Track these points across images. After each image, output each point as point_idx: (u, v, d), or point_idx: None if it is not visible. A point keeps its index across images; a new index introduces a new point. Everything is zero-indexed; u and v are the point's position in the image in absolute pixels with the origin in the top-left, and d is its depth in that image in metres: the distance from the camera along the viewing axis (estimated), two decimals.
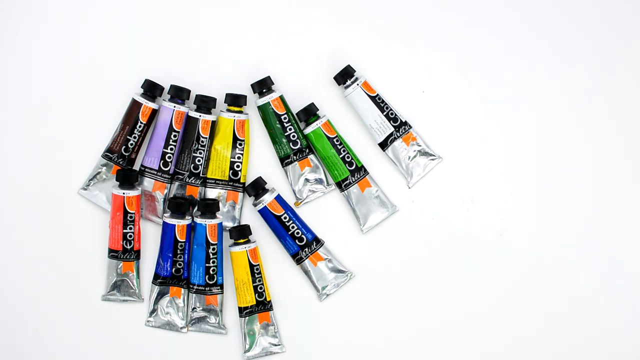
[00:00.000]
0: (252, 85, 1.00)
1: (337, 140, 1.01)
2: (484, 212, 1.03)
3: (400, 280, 1.03)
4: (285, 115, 1.00)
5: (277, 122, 1.00)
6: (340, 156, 1.01)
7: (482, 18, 1.04)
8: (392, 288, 1.03)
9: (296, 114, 1.01)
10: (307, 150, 1.02)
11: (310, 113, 1.01)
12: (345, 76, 1.01)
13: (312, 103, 1.01)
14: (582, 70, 1.04)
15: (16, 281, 1.02)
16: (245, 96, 1.00)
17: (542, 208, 1.03)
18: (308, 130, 1.01)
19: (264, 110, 1.00)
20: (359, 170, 1.02)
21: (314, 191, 1.02)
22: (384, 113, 1.01)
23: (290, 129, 1.01)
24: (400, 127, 1.02)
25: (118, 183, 0.99)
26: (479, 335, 1.03)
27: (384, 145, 1.02)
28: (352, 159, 1.01)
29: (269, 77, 1.00)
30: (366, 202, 1.02)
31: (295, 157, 1.01)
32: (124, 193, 0.99)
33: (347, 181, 1.01)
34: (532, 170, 1.03)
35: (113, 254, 1.00)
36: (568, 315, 1.03)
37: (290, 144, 1.01)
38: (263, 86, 1.00)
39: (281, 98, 1.00)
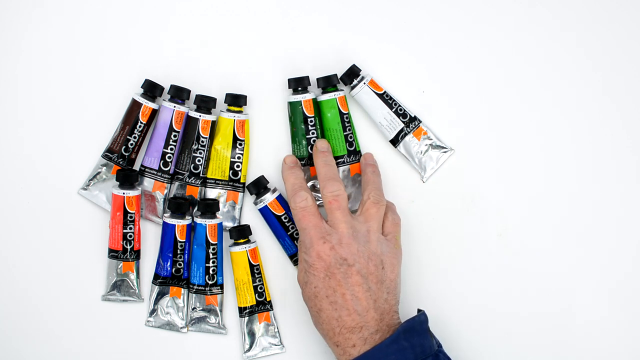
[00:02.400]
0: (289, 80, 1.00)
1: (346, 118, 1.01)
2: (484, 212, 1.03)
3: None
4: (312, 119, 1.00)
5: (303, 123, 1.00)
6: (345, 133, 1.01)
7: (485, 16, 1.04)
8: None
9: (317, 79, 1.01)
10: None
11: (330, 83, 1.01)
12: (351, 76, 1.01)
13: (336, 74, 1.01)
14: (585, 69, 1.04)
15: (16, 281, 1.02)
16: (245, 96, 1.00)
17: (543, 208, 1.03)
18: (323, 97, 1.01)
19: (293, 107, 1.00)
20: (356, 154, 1.02)
21: (318, 199, 1.02)
22: (393, 109, 1.01)
23: (313, 133, 1.00)
24: (410, 122, 1.02)
25: (118, 183, 0.99)
26: (479, 336, 1.03)
27: (395, 141, 1.02)
28: (353, 140, 1.01)
29: (307, 77, 1.00)
30: (353, 186, 1.02)
31: (310, 161, 1.01)
32: (124, 193, 0.99)
33: (342, 159, 1.01)
34: (532, 170, 1.03)
35: (113, 254, 1.00)
36: (568, 315, 1.03)
37: (309, 147, 1.01)
38: (299, 84, 1.00)
39: (314, 101, 1.00)
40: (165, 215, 1.00)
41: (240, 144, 1.00)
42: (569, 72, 1.04)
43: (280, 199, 1.01)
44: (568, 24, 1.04)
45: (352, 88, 1.01)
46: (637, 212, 1.03)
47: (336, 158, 1.01)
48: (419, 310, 0.96)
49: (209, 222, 0.99)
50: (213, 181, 1.01)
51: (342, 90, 1.01)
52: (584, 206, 1.03)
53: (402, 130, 1.02)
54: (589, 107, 1.04)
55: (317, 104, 1.01)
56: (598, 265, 1.03)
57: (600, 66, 1.04)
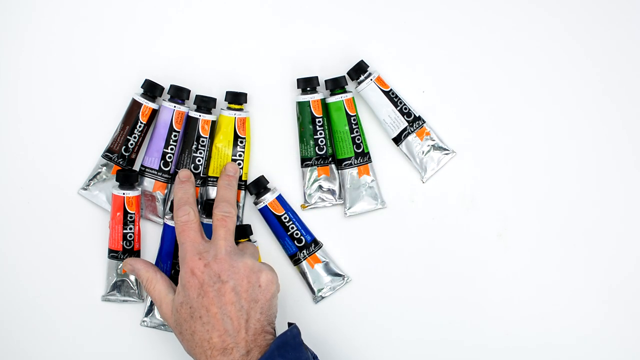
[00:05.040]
0: (298, 80, 1.00)
1: (354, 120, 1.01)
2: (484, 212, 1.03)
3: (399, 282, 1.03)
4: (320, 119, 1.01)
5: (311, 123, 1.00)
6: (352, 135, 1.01)
7: (482, 18, 1.04)
8: (390, 290, 1.03)
9: (325, 81, 1.01)
10: (330, 159, 1.02)
11: (337, 85, 1.01)
12: (358, 71, 1.01)
13: (344, 76, 1.01)
14: (586, 68, 1.04)
15: (16, 281, 1.01)
16: (246, 94, 1.00)
17: (543, 209, 1.03)
18: (330, 100, 1.01)
19: (301, 107, 1.01)
20: (364, 156, 1.02)
21: (323, 199, 1.02)
22: (398, 108, 1.02)
23: (320, 134, 1.01)
24: (414, 121, 1.02)
25: (118, 183, 0.99)
26: (478, 337, 1.03)
27: (397, 140, 1.02)
28: (361, 142, 1.01)
29: (316, 77, 1.01)
30: (359, 188, 1.02)
31: (317, 161, 1.01)
32: (124, 193, 0.98)
33: (349, 162, 1.01)
34: (532, 170, 1.04)
35: (113, 254, 1.00)
36: (568, 316, 1.03)
37: (317, 148, 1.01)
38: (308, 84, 1.00)
39: (322, 101, 1.01)
40: (166, 217, 1.00)
41: (241, 142, 1.00)
42: (570, 74, 1.04)
43: (280, 198, 1.01)
44: (568, 25, 1.04)
45: (359, 84, 1.01)
46: (638, 212, 1.04)
47: (343, 160, 1.01)
48: (289, 324, 0.94)
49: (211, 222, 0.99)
50: (215, 180, 1.01)
51: (350, 92, 1.01)
52: (584, 207, 1.04)
53: (405, 129, 1.02)
54: (589, 108, 1.04)
55: (325, 105, 1.01)
56: (598, 265, 1.03)
57: (601, 67, 1.04)
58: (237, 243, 0.99)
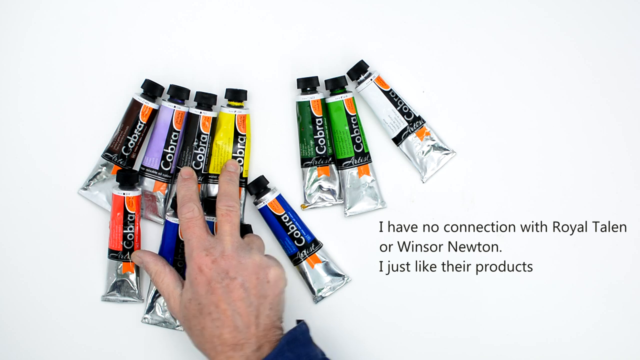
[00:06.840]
0: (298, 80, 1.00)
1: (354, 120, 1.01)
2: (484, 212, 1.03)
3: (399, 282, 1.03)
4: (320, 119, 1.01)
5: (311, 123, 1.00)
6: (352, 135, 1.01)
7: (481, 18, 1.04)
8: (390, 289, 1.03)
9: (325, 81, 1.01)
10: (330, 159, 1.02)
11: (337, 85, 1.01)
12: (358, 71, 1.01)
13: (344, 76, 1.01)
14: (584, 70, 1.04)
15: (16, 281, 1.01)
16: (246, 91, 1.01)
17: (542, 208, 1.03)
18: (330, 100, 1.01)
19: (301, 107, 1.01)
20: (364, 156, 1.02)
21: (323, 199, 1.02)
22: (398, 108, 1.02)
23: (320, 134, 1.01)
24: (414, 121, 1.02)
25: (118, 183, 0.99)
26: (478, 335, 1.03)
27: (397, 140, 1.02)
28: (361, 142, 1.01)
29: (316, 77, 1.01)
30: (359, 188, 1.02)
31: (317, 161, 1.01)
32: (124, 193, 0.98)
33: (349, 162, 1.01)
34: (532, 170, 1.04)
35: (113, 254, 1.00)
36: (566, 315, 1.03)
37: (316, 148, 1.01)
38: (308, 84, 1.01)
39: (322, 101, 1.01)
40: (167, 214, 1.00)
41: (242, 139, 1.01)
42: (570, 74, 1.04)
43: (280, 198, 1.01)
44: (569, 27, 1.04)
45: (359, 84, 1.02)
46: (636, 212, 1.04)
47: (342, 160, 1.01)
48: (298, 321, 0.94)
49: (213, 221, 0.99)
50: (215, 177, 1.01)
51: (350, 92, 1.02)
52: (583, 206, 1.04)
53: (405, 129, 1.02)
54: (589, 109, 1.04)
55: (325, 105, 1.01)
56: (597, 265, 1.03)
57: (600, 70, 1.04)
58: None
